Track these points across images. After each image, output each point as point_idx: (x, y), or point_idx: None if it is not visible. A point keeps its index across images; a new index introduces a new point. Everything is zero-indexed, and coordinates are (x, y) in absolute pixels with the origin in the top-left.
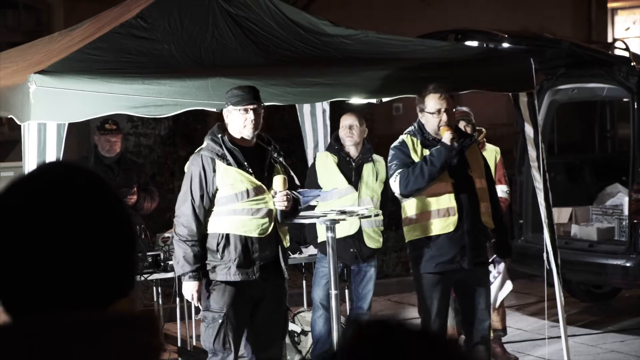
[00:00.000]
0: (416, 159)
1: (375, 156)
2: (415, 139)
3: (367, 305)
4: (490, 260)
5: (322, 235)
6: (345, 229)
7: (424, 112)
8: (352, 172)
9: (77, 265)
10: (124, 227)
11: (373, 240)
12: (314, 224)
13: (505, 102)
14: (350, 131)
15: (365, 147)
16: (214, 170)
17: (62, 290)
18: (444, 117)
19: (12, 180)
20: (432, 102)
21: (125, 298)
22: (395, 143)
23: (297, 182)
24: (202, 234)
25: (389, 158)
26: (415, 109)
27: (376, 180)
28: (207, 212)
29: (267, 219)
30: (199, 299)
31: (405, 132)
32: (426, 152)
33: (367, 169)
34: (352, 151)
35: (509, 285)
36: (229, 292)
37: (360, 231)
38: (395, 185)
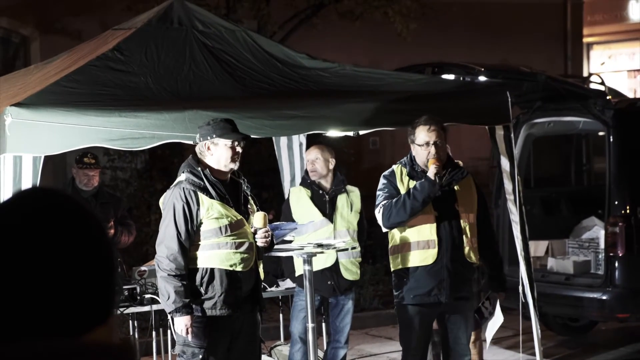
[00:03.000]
0: (402, 189)
1: (349, 187)
2: (404, 170)
3: (344, 339)
4: (486, 297)
5: (300, 268)
6: (322, 261)
7: (414, 144)
8: (326, 205)
9: (54, 293)
10: (103, 255)
11: (350, 272)
12: (291, 258)
13: (481, 136)
14: (313, 165)
15: (338, 178)
16: (198, 204)
17: (38, 318)
18: (432, 150)
19: None
20: (422, 134)
21: (103, 326)
22: (386, 172)
23: None
24: (187, 268)
25: (378, 186)
26: (391, 143)
27: (351, 211)
28: (191, 245)
29: (249, 253)
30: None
31: (398, 162)
32: (412, 183)
33: (341, 200)
34: (324, 183)
35: (499, 319)
36: (211, 327)
37: (337, 263)
38: (379, 217)
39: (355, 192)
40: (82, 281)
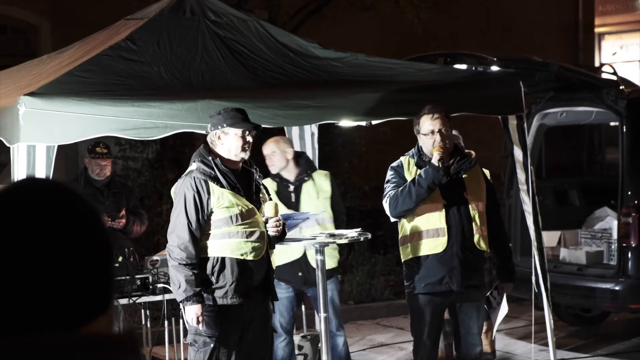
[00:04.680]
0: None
1: (316, 172)
2: (412, 160)
3: (335, 326)
4: (495, 287)
5: (278, 259)
6: (289, 254)
7: (419, 133)
8: (290, 195)
9: (52, 285)
10: (100, 244)
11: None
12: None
13: (492, 126)
14: (271, 159)
15: (302, 166)
16: (209, 193)
17: (36, 311)
18: (438, 137)
19: None
20: (426, 123)
21: (103, 316)
22: (394, 164)
23: None
24: (198, 257)
25: (386, 178)
26: (403, 133)
27: (318, 197)
28: (201, 235)
29: (260, 242)
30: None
31: (406, 153)
32: None
33: (306, 188)
34: (287, 175)
35: (504, 309)
36: (222, 316)
37: (305, 255)
38: (386, 207)
39: (321, 177)
40: (80, 271)
